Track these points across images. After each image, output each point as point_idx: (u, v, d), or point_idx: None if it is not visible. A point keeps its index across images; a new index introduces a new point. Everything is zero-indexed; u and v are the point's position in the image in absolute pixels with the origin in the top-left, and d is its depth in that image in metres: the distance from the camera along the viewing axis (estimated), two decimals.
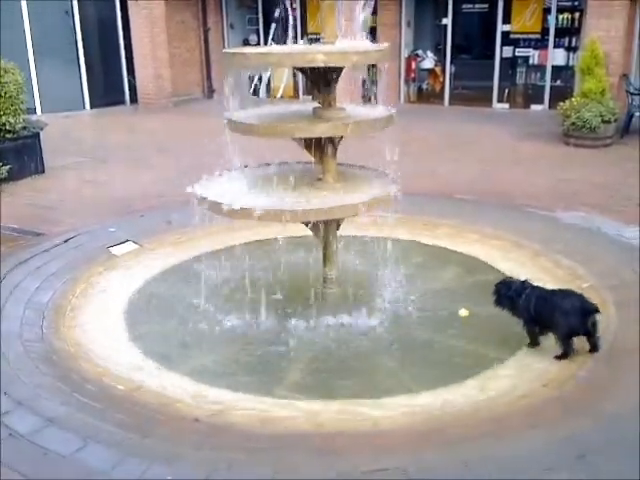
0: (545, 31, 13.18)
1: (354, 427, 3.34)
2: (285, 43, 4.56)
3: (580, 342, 3.92)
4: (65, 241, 5.71)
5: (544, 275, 5.04)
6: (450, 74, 14.38)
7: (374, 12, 13.43)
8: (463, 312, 4.65)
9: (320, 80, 4.25)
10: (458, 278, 5.21)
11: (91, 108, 14.42)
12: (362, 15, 4.33)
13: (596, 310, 3.88)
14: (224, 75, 4.22)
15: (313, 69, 4.09)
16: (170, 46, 14.79)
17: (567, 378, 3.70)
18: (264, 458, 2.94)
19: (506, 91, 13.87)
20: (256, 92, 4.30)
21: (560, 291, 4.10)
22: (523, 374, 3.84)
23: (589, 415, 3.22)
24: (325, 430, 3.32)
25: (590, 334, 3.88)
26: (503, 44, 13.54)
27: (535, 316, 4.00)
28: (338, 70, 4.20)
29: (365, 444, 3.11)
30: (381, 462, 2.87)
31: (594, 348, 3.89)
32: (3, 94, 8.02)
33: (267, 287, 4.91)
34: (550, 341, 4.06)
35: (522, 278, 4.21)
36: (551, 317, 3.91)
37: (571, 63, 12.79)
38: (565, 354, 3.90)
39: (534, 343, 4.10)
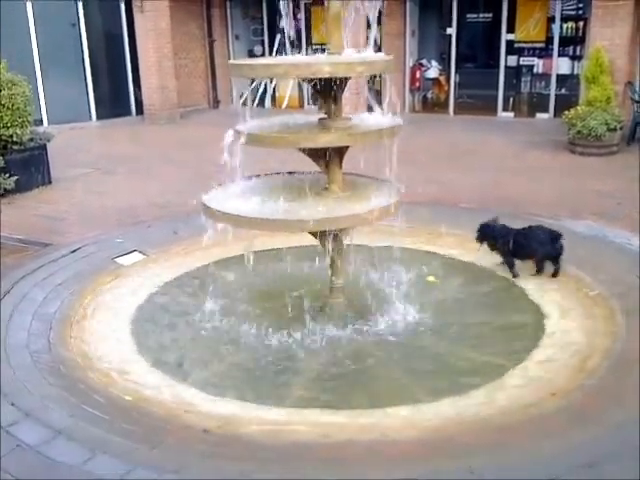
0: (549, 40, 13.20)
1: (362, 437, 3.32)
2: (291, 54, 4.58)
3: None
4: (72, 252, 5.73)
5: (551, 284, 5.05)
6: (455, 83, 14.41)
7: (378, 22, 13.50)
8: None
9: (326, 90, 4.26)
10: (465, 286, 5.19)
11: (97, 119, 14.50)
12: (369, 27, 4.35)
13: (560, 235, 5.04)
14: (230, 86, 4.25)
15: (319, 80, 4.10)
16: (176, 57, 14.87)
17: (576, 387, 3.68)
18: (274, 468, 2.93)
19: (511, 100, 13.89)
20: (262, 102, 4.30)
21: (533, 227, 5.19)
22: (531, 383, 3.82)
23: (598, 423, 3.21)
24: (334, 440, 3.31)
25: (556, 258, 5.08)
26: (507, 53, 13.56)
27: (515, 249, 5.13)
28: (344, 80, 4.22)
29: (374, 454, 3.09)
30: (390, 472, 2.86)
31: (556, 272, 5.10)
32: (11, 106, 8.06)
33: (273, 297, 4.92)
34: (553, 347, 4.09)
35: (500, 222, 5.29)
36: (530, 247, 5.10)
37: (576, 71, 12.80)
38: (539, 272, 5.17)
39: (514, 274, 5.21)
